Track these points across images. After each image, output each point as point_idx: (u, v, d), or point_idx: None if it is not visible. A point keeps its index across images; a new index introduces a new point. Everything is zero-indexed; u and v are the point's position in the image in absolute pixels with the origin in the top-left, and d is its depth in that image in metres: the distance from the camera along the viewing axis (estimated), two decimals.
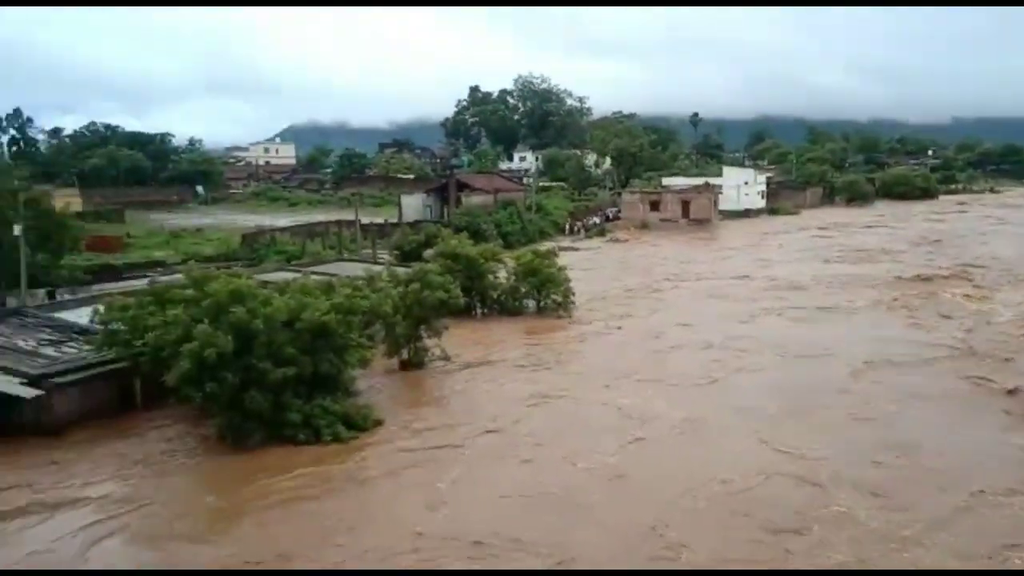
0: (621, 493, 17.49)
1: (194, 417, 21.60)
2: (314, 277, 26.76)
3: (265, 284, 24.38)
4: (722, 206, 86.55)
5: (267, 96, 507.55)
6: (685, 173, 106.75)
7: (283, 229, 66.15)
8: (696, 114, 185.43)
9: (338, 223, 65.57)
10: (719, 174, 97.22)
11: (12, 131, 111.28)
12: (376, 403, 23.20)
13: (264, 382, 19.80)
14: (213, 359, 19.19)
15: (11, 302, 34.25)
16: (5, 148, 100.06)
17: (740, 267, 52.13)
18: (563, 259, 39.76)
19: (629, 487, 17.80)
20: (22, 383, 20.99)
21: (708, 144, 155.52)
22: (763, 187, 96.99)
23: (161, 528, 16.09)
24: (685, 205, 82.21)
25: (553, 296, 37.18)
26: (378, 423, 21.73)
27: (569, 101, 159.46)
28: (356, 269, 34.33)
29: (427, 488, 17.71)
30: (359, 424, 21.24)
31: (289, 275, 30.89)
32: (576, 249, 60.61)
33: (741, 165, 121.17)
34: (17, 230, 34.58)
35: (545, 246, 44.58)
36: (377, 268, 33.61)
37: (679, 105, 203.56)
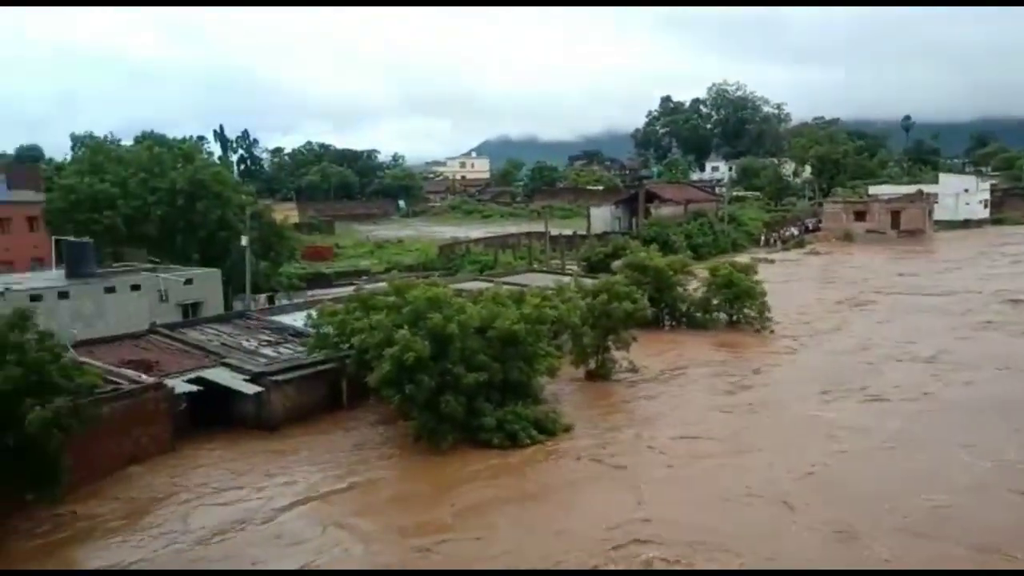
0: (826, 499, 16.85)
1: (395, 418, 22.79)
2: (505, 287, 27.47)
3: (460, 293, 25.35)
4: (938, 216, 79.74)
5: (463, 114, 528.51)
6: (895, 181, 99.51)
7: (477, 240, 68.52)
8: (908, 117, 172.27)
9: (528, 235, 67.05)
10: (934, 181, 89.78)
11: (241, 151, 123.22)
12: (564, 410, 23.44)
13: (458, 386, 20.55)
14: (412, 362, 20.16)
15: (236, 306, 37.86)
16: (235, 167, 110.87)
17: (960, 281, 47.79)
18: (759, 271, 38.32)
19: (834, 494, 17.09)
20: (245, 380, 23.12)
21: (921, 149, 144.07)
22: (986, 195, 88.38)
23: (359, 510, 17.16)
24: (895, 215, 76.49)
25: (747, 310, 35.83)
26: (567, 429, 21.98)
27: (766, 108, 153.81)
28: (545, 280, 34.90)
29: (630, 490, 17.81)
30: (550, 429, 21.57)
31: (482, 284, 31.93)
32: (771, 261, 58.16)
33: (960, 172, 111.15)
34: (244, 241, 38.17)
35: (738, 258, 43.13)
36: (565, 279, 33.96)
37: (886, 109, 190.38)
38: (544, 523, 16.44)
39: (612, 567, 14.37)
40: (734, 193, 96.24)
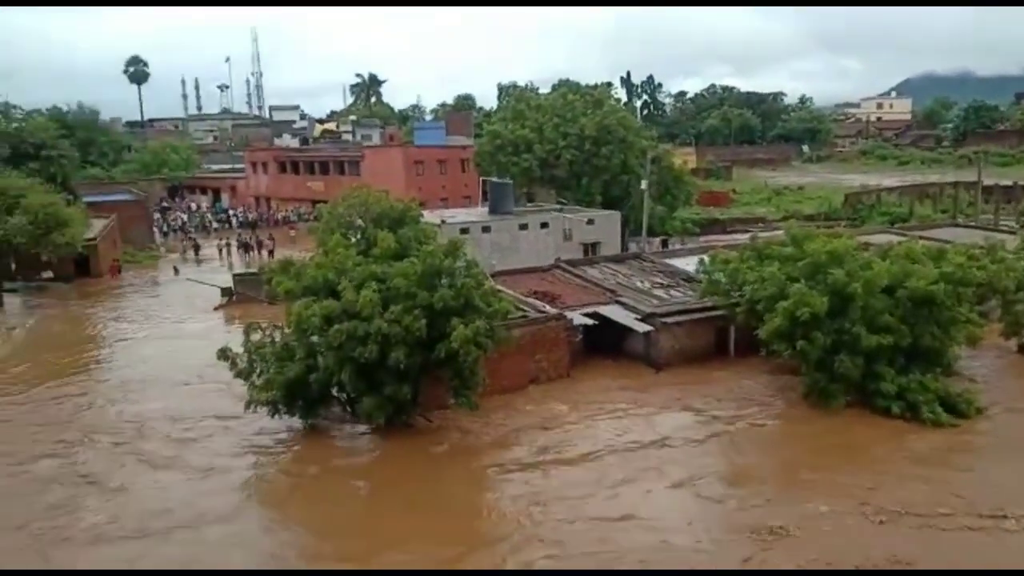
0: None
1: (782, 371, 22.07)
2: (922, 242, 24.66)
3: (866, 246, 23.37)
4: None
5: (880, 50, 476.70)
6: None
7: (890, 189, 62.35)
8: None
9: (955, 184, 59.09)
10: None
11: (645, 96, 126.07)
12: (982, 388, 20.62)
13: (856, 347, 19.14)
14: (806, 318, 19.21)
15: (632, 247, 39.31)
16: (638, 112, 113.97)
17: None
18: None
19: None
20: (637, 319, 24.06)
21: None
22: None
23: (750, 442, 17.03)
24: None
25: None
26: (980, 410, 19.32)
27: None
28: (973, 236, 30.56)
29: None
30: (960, 409, 19.14)
31: (894, 238, 29.04)
32: None
33: None
34: (644, 184, 39.29)
35: None
36: (1000, 236, 29.36)
37: None
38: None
39: None
40: None
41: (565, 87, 54.06)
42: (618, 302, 25.31)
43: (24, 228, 33.77)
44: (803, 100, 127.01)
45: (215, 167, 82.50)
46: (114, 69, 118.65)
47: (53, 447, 18.91)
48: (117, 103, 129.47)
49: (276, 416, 18.82)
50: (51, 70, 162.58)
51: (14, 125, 44.82)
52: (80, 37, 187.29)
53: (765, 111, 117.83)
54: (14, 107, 46.81)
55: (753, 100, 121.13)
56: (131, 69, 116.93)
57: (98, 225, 43.28)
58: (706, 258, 25.03)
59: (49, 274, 39.76)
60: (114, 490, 16.55)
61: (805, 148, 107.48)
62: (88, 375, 25.24)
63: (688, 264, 28.95)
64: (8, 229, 33.53)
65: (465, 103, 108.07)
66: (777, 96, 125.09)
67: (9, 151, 42.52)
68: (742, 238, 31.79)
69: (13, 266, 38.63)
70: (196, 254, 49.12)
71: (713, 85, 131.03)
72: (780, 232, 26.99)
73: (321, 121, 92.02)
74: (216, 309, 33.95)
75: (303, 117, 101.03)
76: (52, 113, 66.14)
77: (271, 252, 46.46)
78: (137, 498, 16.14)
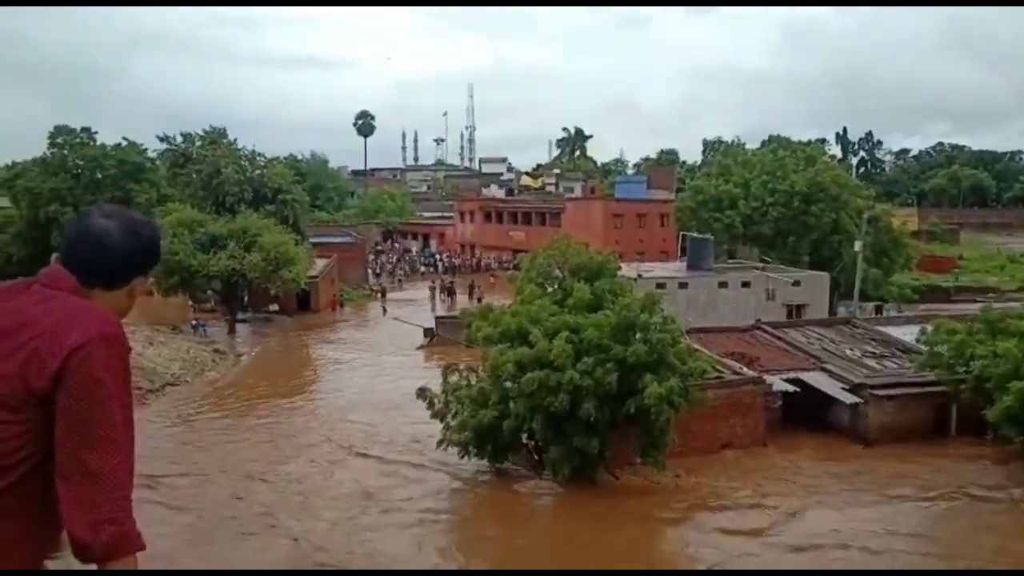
0: None
1: (1011, 459, 19.71)
2: None
3: None
4: None
5: None
6: None
7: None
8: None
9: None
10: None
11: (862, 153, 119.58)
12: None
13: None
14: None
15: (841, 311, 36.99)
16: (854, 169, 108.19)
17: None
18: None
19: None
20: (844, 388, 22.50)
21: None
22: None
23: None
24: None
25: None
26: None
27: None
28: None
29: None
30: None
31: None
32: None
33: None
34: (858, 245, 37.00)
35: None
36: None
37: None
38: None
39: None
40: None
41: (775, 143, 52.44)
42: (823, 369, 23.85)
43: (258, 264, 37.34)
44: None
45: (427, 214, 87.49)
46: (344, 122, 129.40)
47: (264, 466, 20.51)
48: (345, 153, 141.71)
49: (465, 457, 19.30)
50: (286, 122, 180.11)
51: (257, 171, 49.91)
52: (313, 93, 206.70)
53: (1000, 171, 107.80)
54: (259, 155, 52.18)
55: (987, 159, 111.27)
56: (359, 122, 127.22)
57: (320, 264, 47.02)
58: (928, 327, 23.07)
59: (275, 307, 43.65)
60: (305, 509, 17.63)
61: None
62: (302, 399, 27.28)
63: (904, 333, 26.84)
64: (245, 264, 37.23)
65: (668, 158, 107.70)
66: (1016, 155, 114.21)
67: (252, 194, 47.41)
68: (969, 308, 28.98)
69: (245, 298, 42.79)
70: (383, 298, 49.33)
71: (940, 143, 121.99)
72: (1015, 304, 24.35)
73: (527, 174, 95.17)
74: (418, 349, 35.65)
75: (510, 169, 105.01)
76: (289, 161, 73.09)
77: (479, 299, 48.05)
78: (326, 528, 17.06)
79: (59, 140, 47.84)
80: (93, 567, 1.79)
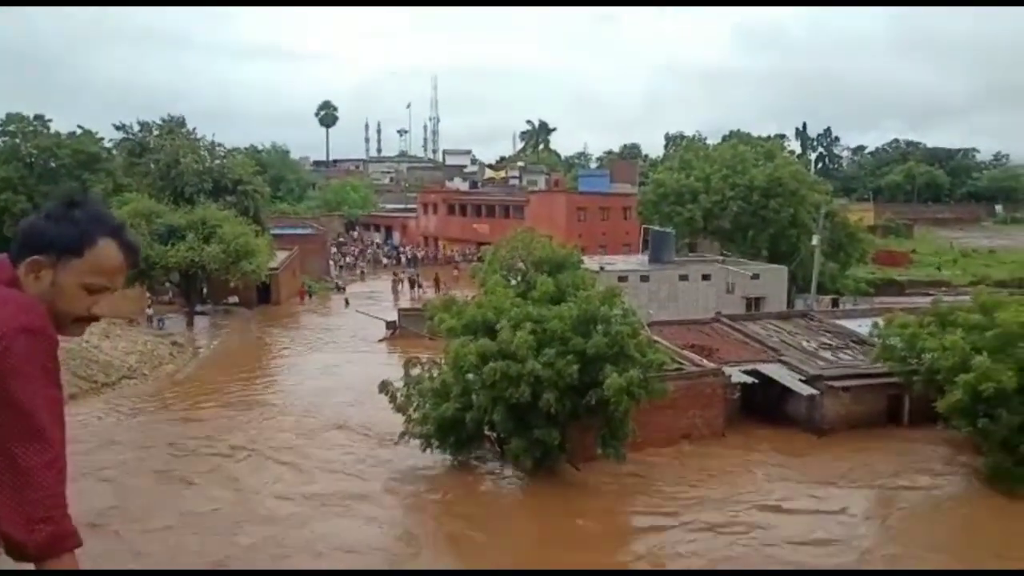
0: None
1: (960, 447, 20.28)
2: None
3: None
4: None
5: None
6: None
7: None
8: None
9: None
10: None
11: (820, 149, 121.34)
12: None
13: None
14: (990, 394, 17.61)
15: (799, 304, 37.61)
16: (812, 165, 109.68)
17: None
18: None
19: None
20: (801, 380, 22.91)
21: None
22: None
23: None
24: None
25: None
26: None
27: None
28: None
29: None
30: None
31: None
32: None
33: None
34: (815, 240, 37.65)
35: None
36: None
37: None
38: None
39: None
40: None
41: (736, 138, 53.08)
42: (781, 361, 24.25)
43: (218, 256, 36.82)
44: (998, 157, 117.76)
45: (389, 206, 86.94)
46: (306, 113, 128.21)
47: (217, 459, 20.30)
48: (307, 144, 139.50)
49: (428, 450, 19.29)
50: (246, 113, 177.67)
51: (216, 162, 49.21)
52: (275, 83, 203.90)
53: (954, 168, 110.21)
54: (219, 145, 51.43)
55: (941, 156, 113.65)
56: (321, 113, 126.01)
57: (281, 256, 46.53)
58: (881, 321, 23.58)
59: (235, 299, 43.09)
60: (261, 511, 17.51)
61: (999, 208, 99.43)
62: (260, 392, 27.00)
63: (860, 326, 27.37)
64: (204, 256, 36.70)
65: (631, 152, 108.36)
66: (968, 152, 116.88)
67: (211, 185, 46.72)
68: (922, 302, 29.67)
69: (204, 290, 42.19)
70: (344, 291, 50.02)
71: (896, 140, 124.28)
72: (966, 298, 24.99)
73: (491, 166, 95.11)
74: (380, 341, 35.49)
75: (474, 162, 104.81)
76: (249, 151, 72.15)
77: (442, 291, 47.98)
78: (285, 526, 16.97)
79: (11, 128, 46.71)
80: (29, 566, 1.75)
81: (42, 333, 1.75)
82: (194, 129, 51.55)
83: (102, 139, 49.55)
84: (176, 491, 18.19)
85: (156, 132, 51.08)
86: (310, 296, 48.03)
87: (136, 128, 51.88)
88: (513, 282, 22.76)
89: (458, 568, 15.28)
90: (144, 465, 19.67)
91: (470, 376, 18.64)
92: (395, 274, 54.08)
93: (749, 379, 22.90)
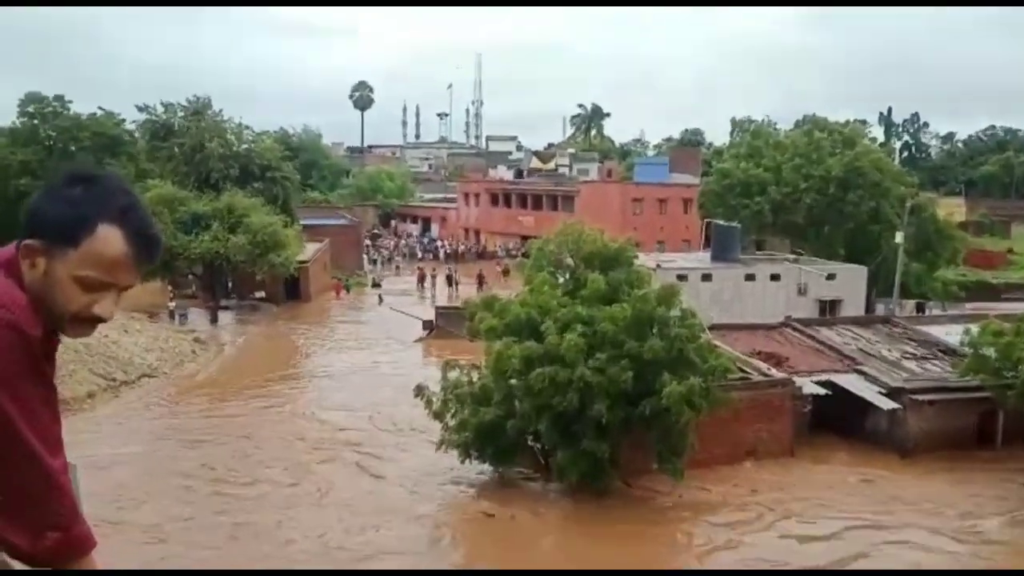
0: None
1: None
2: None
3: None
4: None
5: None
6: None
7: None
8: None
9: None
10: None
11: (906, 136, 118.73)
12: None
13: None
14: None
15: (879, 309, 36.86)
16: (897, 154, 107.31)
17: None
18: None
19: None
20: (881, 393, 22.43)
21: None
22: None
23: None
24: None
25: None
26: None
27: None
28: None
29: None
30: None
31: None
32: None
33: None
34: (899, 237, 36.81)
35: None
36: None
37: None
38: None
39: None
40: None
41: (811, 123, 52.15)
42: (858, 371, 23.77)
43: (244, 247, 37.40)
44: None
45: (428, 196, 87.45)
46: (341, 94, 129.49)
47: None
48: (341, 127, 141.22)
49: (467, 461, 19.30)
50: (277, 94, 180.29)
51: (244, 146, 49.96)
52: (313, 62, 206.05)
53: None
54: (247, 128, 52.17)
55: None
56: (356, 95, 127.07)
57: (311, 248, 47.06)
58: (973, 328, 22.95)
59: (261, 294, 43.75)
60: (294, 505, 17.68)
61: None
62: (288, 397, 27.32)
63: (948, 334, 26.70)
64: (230, 247, 37.29)
65: (693, 138, 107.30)
66: None
67: (238, 171, 47.47)
68: (1020, 308, 28.86)
69: (229, 284, 42.88)
70: (379, 286, 49.86)
71: (992, 127, 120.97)
72: None
73: (538, 153, 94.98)
74: (416, 341, 35.69)
75: (520, 148, 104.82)
76: (279, 135, 73.08)
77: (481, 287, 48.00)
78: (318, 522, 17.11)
79: (29, 109, 47.91)
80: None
81: (13, 328, 1.62)
82: (221, 111, 52.33)
83: (124, 121, 50.59)
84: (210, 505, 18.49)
85: (181, 114, 51.93)
86: (347, 291, 48.59)
87: (160, 110, 52.86)
88: (561, 279, 22.69)
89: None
90: (166, 486, 19.96)
91: (513, 381, 18.60)
92: (420, 268, 54.36)
93: (822, 391, 22.49)
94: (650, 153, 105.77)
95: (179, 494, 18.71)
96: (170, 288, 40.82)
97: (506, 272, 53.69)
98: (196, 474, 19.95)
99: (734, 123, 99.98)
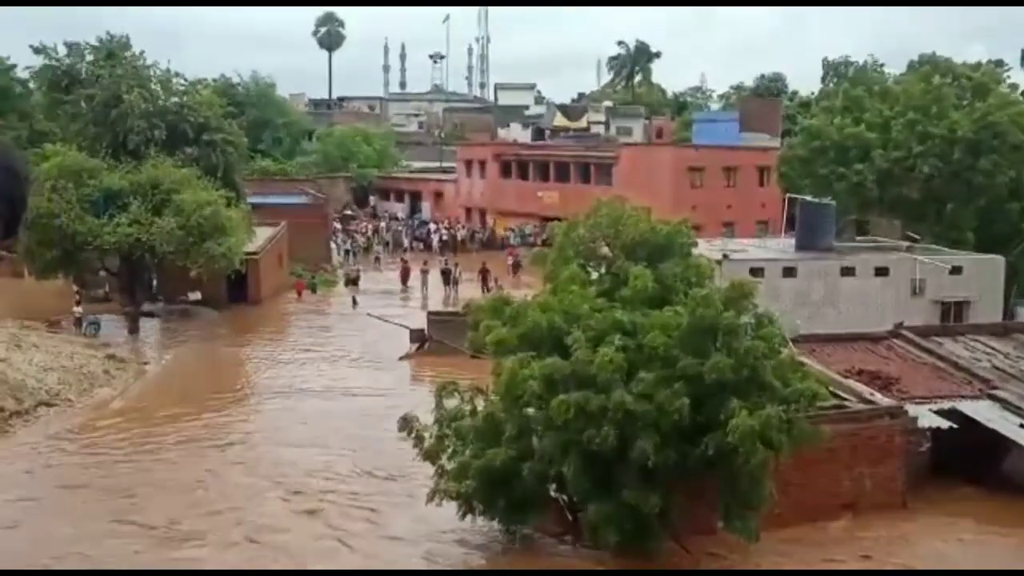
0: None
1: None
2: None
3: None
4: None
5: None
6: None
7: None
8: None
9: None
10: None
11: None
12: None
13: None
14: None
15: (1021, 314, 36.71)
16: None
17: None
18: None
19: None
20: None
21: None
22: None
23: None
24: None
25: None
26: None
27: None
28: None
29: None
30: None
31: None
32: None
33: None
34: None
35: None
36: None
37: None
38: None
39: None
40: None
41: (929, 65, 51.98)
42: (993, 397, 23.70)
43: (174, 233, 37.34)
44: None
45: (417, 165, 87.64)
46: (303, 30, 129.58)
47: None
48: (302, 74, 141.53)
49: (468, 517, 19.32)
50: (216, 30, 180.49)
51: (173, 99, 49.92)
52: None
53: None
54: (177, 75, 51.98)
55: None
56: (322, 30, 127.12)
57: (263, 235, 47.08)
58: None
59: (197, 295, 43.89)
60: None
61: None
62: (230, 432, 27.42)
63: None
64: (154, 233, 37.20)
65: (771, 85, 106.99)
66: None
67: (166, 132, 47.49)
68: None
69: (154, 282, 43.02)
70: (354, 285, 51.04)
71: None
72: None
73: (564, 108, 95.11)
74: (402, 359, 35.75)
75: (539, 101, 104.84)
76: (220, 85, 72.94)
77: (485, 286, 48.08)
78: None
79: None
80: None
81: None
82: (142, 53, 52.50)
83: (14, 67, 50.92)
84: None
85: (90, 57, 52.11)
86: (312, 291, 48.71)
87: (63, 52, 53.08)
88: (594, 275, 22.68)
89: None
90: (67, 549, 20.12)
91: (530, 411, 18.61)
92: (403, 260, 55.09)
93: (945, 423, 22.42)
94: (714, 106, 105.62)
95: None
96: (76, 289, 40.98)
97: (518, 266, 53.79)
98: (110, 535, 20.05)
99: (827, 65, 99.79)
